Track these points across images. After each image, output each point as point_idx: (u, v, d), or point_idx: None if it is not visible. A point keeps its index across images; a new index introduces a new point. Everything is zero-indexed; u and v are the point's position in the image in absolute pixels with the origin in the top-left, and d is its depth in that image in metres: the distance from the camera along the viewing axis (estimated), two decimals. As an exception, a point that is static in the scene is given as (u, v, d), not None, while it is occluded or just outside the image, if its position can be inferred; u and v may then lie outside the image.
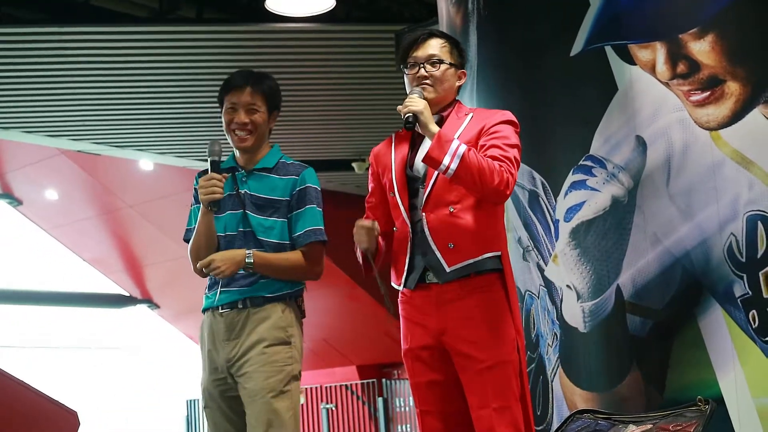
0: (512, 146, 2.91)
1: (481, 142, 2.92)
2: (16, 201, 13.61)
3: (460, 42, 3.17)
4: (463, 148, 2.79)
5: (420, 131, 2.91)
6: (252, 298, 3.13)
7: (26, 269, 15.30)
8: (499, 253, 2.93)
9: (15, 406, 4.85)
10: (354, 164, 9.75)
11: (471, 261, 2.89)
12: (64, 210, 13.46)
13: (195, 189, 3.29)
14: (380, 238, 3.03)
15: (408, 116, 2.86)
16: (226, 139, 3.28)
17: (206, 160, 3.23)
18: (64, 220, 13.68)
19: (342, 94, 8.04)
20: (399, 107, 2.92)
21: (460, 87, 3.10)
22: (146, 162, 10.79)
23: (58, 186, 12.97)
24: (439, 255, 2.90)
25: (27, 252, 15.10)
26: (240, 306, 3.13)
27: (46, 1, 6.66)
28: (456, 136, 2.93)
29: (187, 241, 3.27)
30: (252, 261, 3.08)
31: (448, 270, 2.89)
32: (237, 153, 3.28)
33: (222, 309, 3.15)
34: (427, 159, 2.82)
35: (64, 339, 16.34)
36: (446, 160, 2.78)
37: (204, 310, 3.24)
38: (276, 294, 3.15)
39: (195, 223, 3.25)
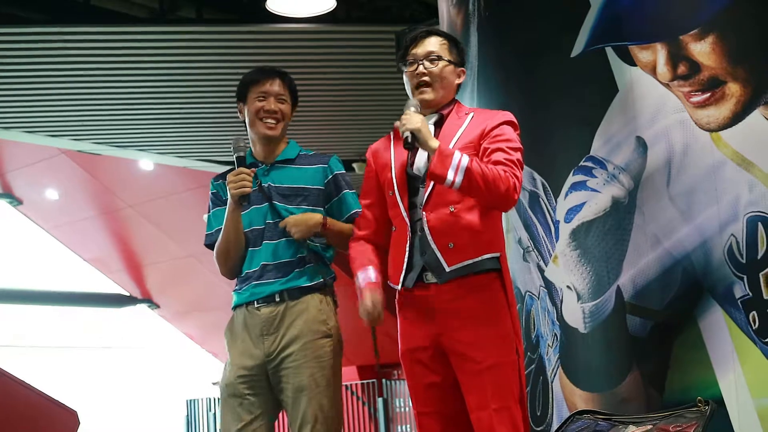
0: (516, 149, 2.92)
1: (484, 145, 2.92)
2: (16, 201, 13.62)
3: (459, 41, 3.17)
4: (465, 160, 2.79)
5: (420, 148, 2.90)
6: (289, 290, 3.13)
7: (26, 269, 15.32)
8: (498, 254, 2.93)
9: (15, 406, 4.86)
10: (354, 165, 9.75)
11: (470, 261, 2.88)
12: (64, 210, 13.47)
13: (212, 194, 3.31)
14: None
15: (407, 136, 2.86)
16: (242, 135, 3.30)
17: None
18: (65, 219, 13.69)
19: (342, 94, 8.04)
20: (396, 123, 2.93)
21: (459, 85, 3.10)
22: (146, 162, 10.80)
23: (59, 186, 12.98)
24: (438, 254, 2.89)
25: (27, 251, 15.12)
26: (277, 299, 3.13)
27: (47, 2, 6.66)
28: (457, 135, 2.94)
29: (209, 246, 3.28)
30: (327, 224, 3.14)
31: (447, 269, 2.88)
32: (255, 148, 3.29)
33: (258, 303, 3.15)
34: (431, 176, 2.83)
35: (63, 338, 16.36)
36: (450, 175, 2.79)
37: (235, 307, 3.24)
38: (312, 284, 3.16)
39: (215, 227, 3.26)
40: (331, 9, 6.51)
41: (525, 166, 3.00)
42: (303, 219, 3.12)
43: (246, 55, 7.16)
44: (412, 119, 2.87)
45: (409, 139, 2.86)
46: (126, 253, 14.24)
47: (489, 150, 2.90)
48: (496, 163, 2.85)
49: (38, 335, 16.01)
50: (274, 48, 7.15)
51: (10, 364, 5.89)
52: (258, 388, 3.13)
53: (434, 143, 2.84)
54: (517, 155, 2.90)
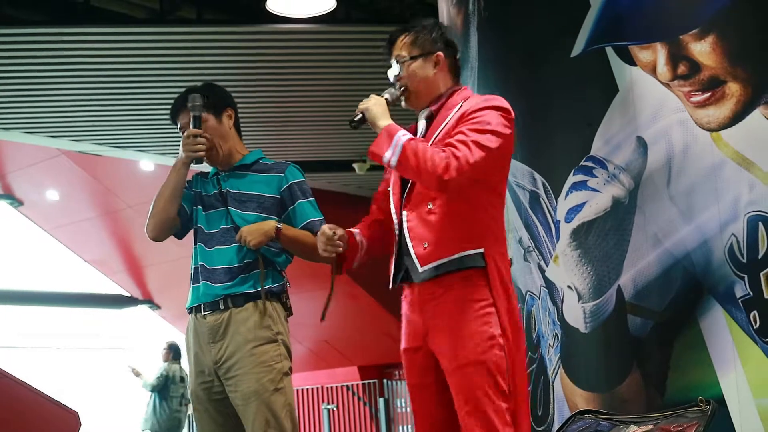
0: (482, 131, 2.74)
1: (456, 130, 2.80)
2: (17, 202, 13.61)
3: (428, 25, 3.00)
4: (404, 138, 2.76)
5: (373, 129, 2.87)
6: (232, 296, 3.13)
7: (27, 270, 15.30)
8: (480, 250, 2.78)
9: (16, 407, 4.85)
10: (355, 165, 9.73)
11: (446, 260, 2.78)
12: (65, 211, 13.46)
13: (187, 182, 3.34)
14: (355, 237, 2.98)
15: (358, 115, 2.86)
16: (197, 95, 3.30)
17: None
18: (65, 220, 13.68)
19: (343, 94, 8.04)
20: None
21: (440, 73, 2.94)
22: (147, 163, 10.79)
23: (59, 187, 12.97)
24: (413, 255, 2.83)
25: (28, 252, 15.11)
26: (221, 307, 3.13)
27: (46, 2, 6.66)
28: (441, 127, 2.86)
29: None
30: (280, 229, 3.11)
31: (420, 270, 2.82)
32: None
33: (204, 311, 3.16)
34: (369, 154, 2.81)
35: (64, 339, 16.35)
36: (387, 154, 2.76)
37: (189, 310, 3.24)
38: (256, 290, 3.15)
39: None
40: (331, 9, 6.50)
41: (525, 166, 2.99)
42: (257, 226, 3.12)
43: (246, 55, 7.16)
44: (368, 100, 2.88)
45: (355, 119, 2.86)
46: (127, 254, 14.23)
47: (455, 132, 2.78)
48: (448, 144, 2.73)
49: (39, 336, 16.01)
50: (274, 48, 7.15)
51: (11, 365, 5.89)
52: (217, 395, 3.15)
53: (383, 122, 2.82)
54: (477, 137, 2.73)
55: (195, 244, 3.27)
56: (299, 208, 3.21)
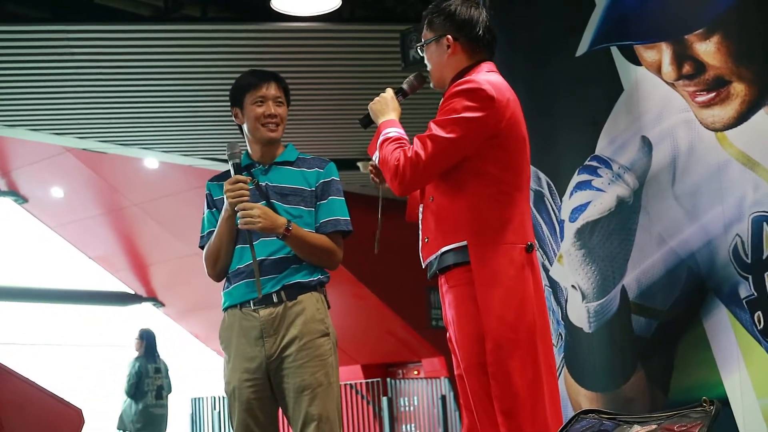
0: (444, 122, 2.67)
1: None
2: (21, 199, 13.63)
3: (437, 8, 2.88)
4: (381, 138, 2.79)
5: None
6: (286, 289, 3.12)
7: (31, 267, 15.33)
8: (463, 243, 2.70)
9: (19, 404, 4.86)
10: (359, 164, 9.72)
11: (434, 256, 2.78)
12: (69, 208, 13.48)
13: (207, 195, 3.31)
14: None
15: (365, 114, 2.91)
16: (238, 140, 3.29)
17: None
18: (70, 218, 13.70)
19: (347, 93, 8.04)
20: None
21: (455, 56, 2.84)
22: (151, 160, 10.80)
23: (64, 184, 12.99)
24: (420, 250, 2.87)
25: (32, 250, 15.13)
26: (275, 300, 3.12)
27: (51, 0, 6.66)
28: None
29: (202, 248, 3.28)
30: (290, 228, 3.08)
31: (423, 265, 2.85)
32: (253, 149, 3.30)
33: (254, 305, 3.14)
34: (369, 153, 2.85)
35: (68, 336, 16.38)
36: (375, 155, 2.81)
37: (226, 308, 3.23)
38: (309, 280, 3.15)
39: (207, 230, 3.26)
40: (336, 8, 6.50)
41: (531, 166, 2.97)
42: (273, 216, 3.10)
43: (250, 53, 7.15)
44: (379, 98, 2.91)
45: (363, 117, 2.92)
46: (131, 251, 14.25)
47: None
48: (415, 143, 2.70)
49: (43, 333, 16.04)
50: (278, 47, 7.15)
51: (15, 361, 5.89)
52: (262, 391, 3.14)
53: (379, 120, 2.85)
54: (437, 129, 2.67)
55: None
56: (329, 204, 3.23)
